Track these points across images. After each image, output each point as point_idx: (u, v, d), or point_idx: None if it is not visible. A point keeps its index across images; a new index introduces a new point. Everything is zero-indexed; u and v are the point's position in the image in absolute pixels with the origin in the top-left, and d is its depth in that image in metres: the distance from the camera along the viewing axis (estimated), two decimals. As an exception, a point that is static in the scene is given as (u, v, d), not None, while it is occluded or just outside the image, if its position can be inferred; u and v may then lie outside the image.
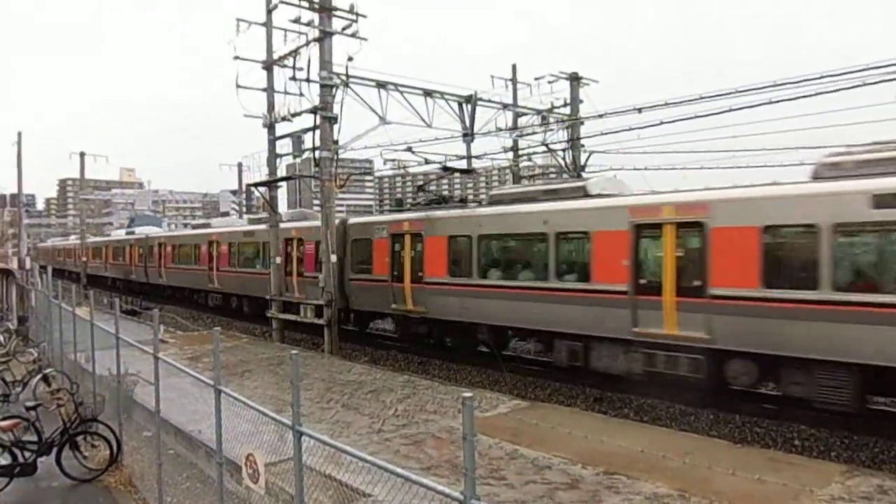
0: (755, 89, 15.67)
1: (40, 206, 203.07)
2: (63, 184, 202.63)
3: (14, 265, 37.15)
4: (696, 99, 17.66)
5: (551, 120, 25.51)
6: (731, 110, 16.68)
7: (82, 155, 53.52)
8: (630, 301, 13.19)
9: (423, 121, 20.91)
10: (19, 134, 44.40)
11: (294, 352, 5.24)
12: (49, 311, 16.51)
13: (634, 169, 24.41)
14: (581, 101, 26.01)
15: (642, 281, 13.15)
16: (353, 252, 21.10)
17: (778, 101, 15.43)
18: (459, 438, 3.38)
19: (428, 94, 21.19)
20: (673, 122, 18.80)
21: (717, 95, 17.17)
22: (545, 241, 15.18)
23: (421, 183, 21.42)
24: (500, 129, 23.82)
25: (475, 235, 16.87)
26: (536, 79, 25.43)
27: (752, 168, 18.36)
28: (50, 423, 9.88)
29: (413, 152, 22.39)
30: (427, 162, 23.25)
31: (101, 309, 16.03)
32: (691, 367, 12.44)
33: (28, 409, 9.78)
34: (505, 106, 24.19)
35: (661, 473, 7.96)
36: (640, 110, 19.52)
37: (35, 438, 9.43)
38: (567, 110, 25.89)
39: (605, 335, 13.89)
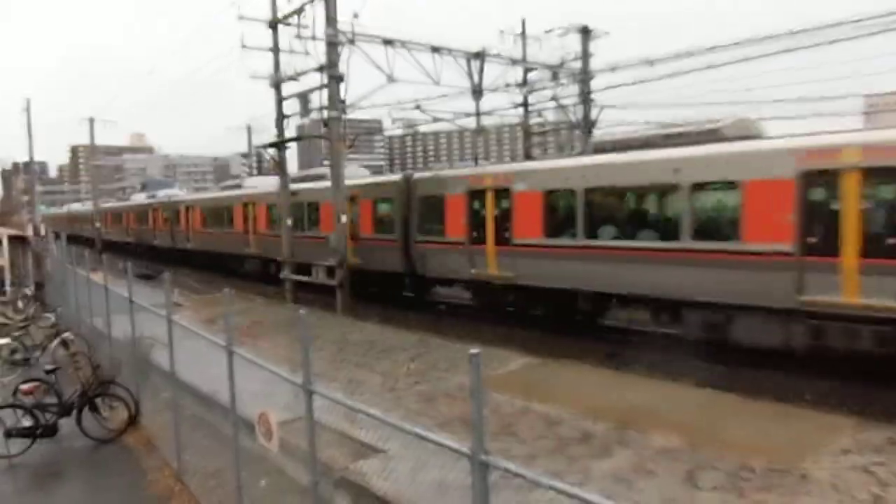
0: (770, 37, 15.29)
1: (53, 173, 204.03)
2: (75, 150, 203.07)
3: (29, 232, 37.60)
4: (709, 49, 17.30)
5: (562, 75, 25.09)
6: (745, 60, 16.33)
7: (91, 121, 53.58)
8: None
9: (431, 78, 20.65)
10: (28, 101, 44.62)
11: (302, 311, 5.26)
12: (65, 277, 16.70)
13: (646, 123, 24.08)
14: (592, 55, 25.53)
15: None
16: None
17: (795, 49, 15.07)
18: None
19: (435, 50, 20.86)
20: (686, 73, 18.46)
21: (732, 45, 16.81)
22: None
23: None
24: (510, 85, 23.50)
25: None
26: (546, 32, 24.99)
27: (766, 120, 18.02)
28: (69, 385, 10.09)
29: (422, 110, 22.22)
30: (436, 120, 23.06)
31: (117, 273, 16.18)
32: (876, 340, 10.63)
33: (47, 372, 9.99)
34: (514, 61, 23.81)
35: (672, 427, 8.01)
36: (652, 63, 19.20)
37: (55, 401, 9.65)
38: (578, 64, 25.43)
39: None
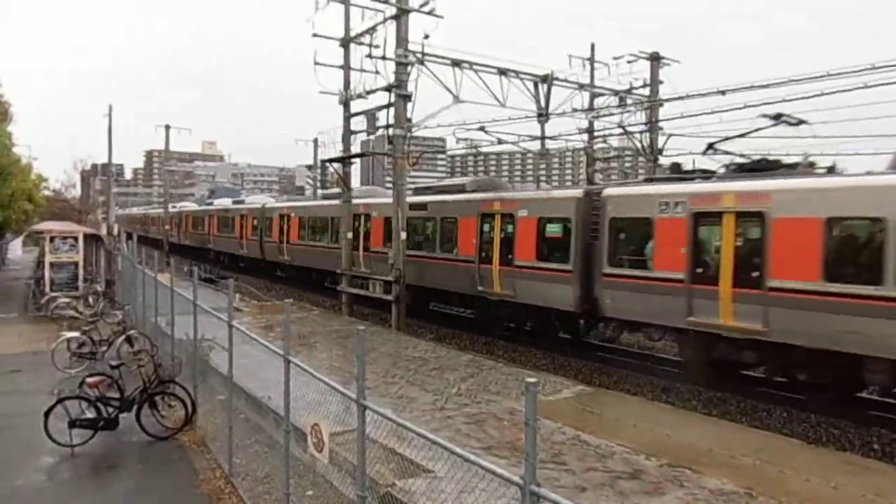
0: (850, 72, 14.76)
1: (128, 175, 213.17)
2: (149, 155, 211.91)
3: (103, 231, 39.32)
4: (783, 82, 16.82)
5: (629, 101, 24.82)
6: (822, 94, 15.79)
7: (167, 128, 55.78)
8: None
9: (497, 100, 20.70)
10: (110, 107, 46.71)
11: (361, 327, 5.32)
12: (134, 276, 17.35)
13: (715, 153, 23.53)
14: (661, 82, 25.20)
15: (699, 270, 13.09)
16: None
17: (874, 86, 14.49)
18: (521, 420, 3.35)
19: (502, 72, 20.94)
20: (758, 105, 17.98)
21: (807, 79, 16.30)
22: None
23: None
24: (576, 110, 23.34)
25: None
26: (615, 58, 24.77)
27: (840, 156, 17.36)
28: (131, 381, 10.45)
29: (486, 132, 22.23)
30: (500, 142, 23.08)
31: (182, 276, 16.73)
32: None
33: (112, 367, 10.36)
34: (581, 86, 23.67)
35: (728, 469, 7.73)
36: (723, 93, 18.76)
37: (118, 395, 9.99)
38: (646, 91, 25.13)
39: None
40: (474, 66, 20.37)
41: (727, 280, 12.54)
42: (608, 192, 15.69)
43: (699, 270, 13.13)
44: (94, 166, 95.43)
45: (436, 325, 21.52)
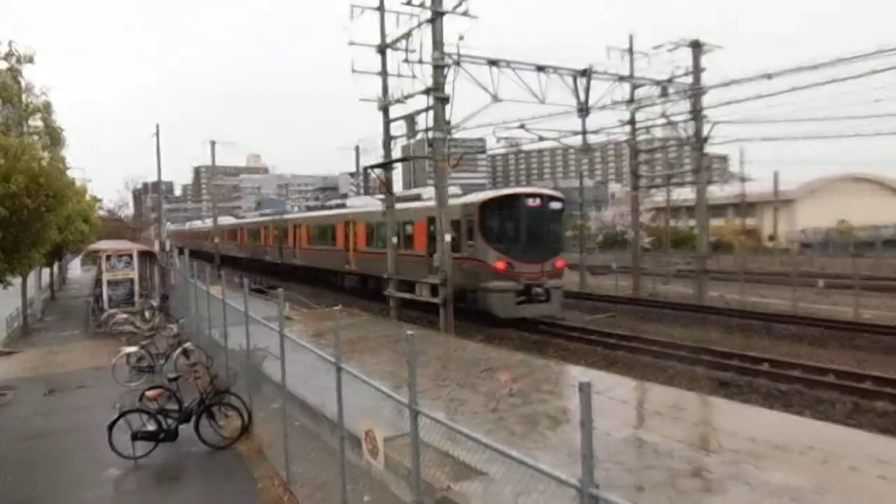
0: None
1: (178, 192, 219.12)
2: (197, 171, 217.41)
3: (156, 247, 40.46)
4: (832, 62, 16.27)
5: (671, 90, 24.35)
6: (873, 73, 15.22)
7: (213, 144, 57.17)
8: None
9: (536, 97, 20.59)
10: (157, 126, 48.15)
11: (411, 332, 5.31)
12: (186, 290, 17.77)
13: (763, 140, 22.91)
14: (704, 69, 24.64)
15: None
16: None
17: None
18: (575, 420, 3.29)
19: (540, 69, 20.80)
20: (807, 87, 17.43)
21: (857, 57, 15.74)
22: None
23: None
24: (617, 102, 23.01)
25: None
26: (655, 48, 24.37)
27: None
28: (189, 393, 10.69)
29: (526, 129, 22.11)
30: (540, 139, 22.91)
31: (233, 288, 17.06)
32: None
33: (170, 380, 10.62)
34: (621, 78, 23.34)
35: (794, 464, 7.46)
36: (770, 77, 18.26)
37: (176, 407, 10.23)
38: (688, 79, 24.61)
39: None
40: (511, 65, 20.28)
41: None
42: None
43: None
44: (145, 185, 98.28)
45: (485, 327, 21.47)
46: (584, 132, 22.48)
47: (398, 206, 23.87)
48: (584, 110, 21.67)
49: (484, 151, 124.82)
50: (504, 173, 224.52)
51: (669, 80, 24.45)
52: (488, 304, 20.97)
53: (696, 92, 23.88)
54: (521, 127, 21.96)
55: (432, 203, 20.98)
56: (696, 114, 24.12)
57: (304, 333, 16.59)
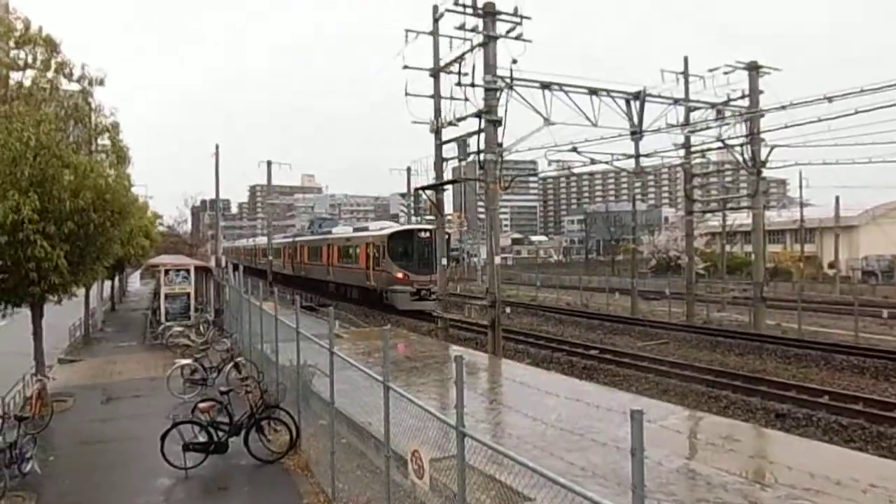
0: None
1: (234, 209, 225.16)
2: (253, 190, 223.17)
3: (212, 263, 41.48)
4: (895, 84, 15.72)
5: (727, 113, 23.90)
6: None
7: (269, 164, 58.48)
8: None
9: (589, 120, 20.49)
10: (217, 146, 49.31)
11: (458, 354, 5.30)
12: (240, 306, 18.15)
13: (823, 164, 22.25)
14: (761, 92, 24.12)
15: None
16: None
17: None
18: (626, 448, 3.22)
19: (593, 92, 20.72)
20: (871, 109, 16.87)
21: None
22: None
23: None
24: (671, 126, 22.71)
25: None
26: (710, 70, 23.96)
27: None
28: (239, 407, 10.87)
29: (578, 152, 21.94)
30: (593, 162, 22.71)
31: (285, 304, 17.36)
32: None
33: (222, 393, 10.83)
34: (676, 101, 23.05)
35: (855, 502, 7.11)
36: (830, 99, 17.75)
37: (227, 420, 10.40)
38: (745, 102, 24.12)
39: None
40: (564, 88, 20.26)
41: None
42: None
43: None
44: (203, 202, 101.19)
45: (534, 349, 21.30)
46: (636, 155, 22.23)
47: (353, 234, 39.24)
48: (637, 133, 21.44)
49: (535, 174, 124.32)
50: (555, 196, 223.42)
51: (725, 103, 24.01)
52: (394, 300, 32.30)
53: (752, 115, 23.37)
54: (573, 150, 21.81)
55: (371, 233, 35.92)
56: (753, 137, 23.58)
57: (353, 351, 16.72)
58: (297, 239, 52.99)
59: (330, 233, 44.94)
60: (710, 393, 15.75)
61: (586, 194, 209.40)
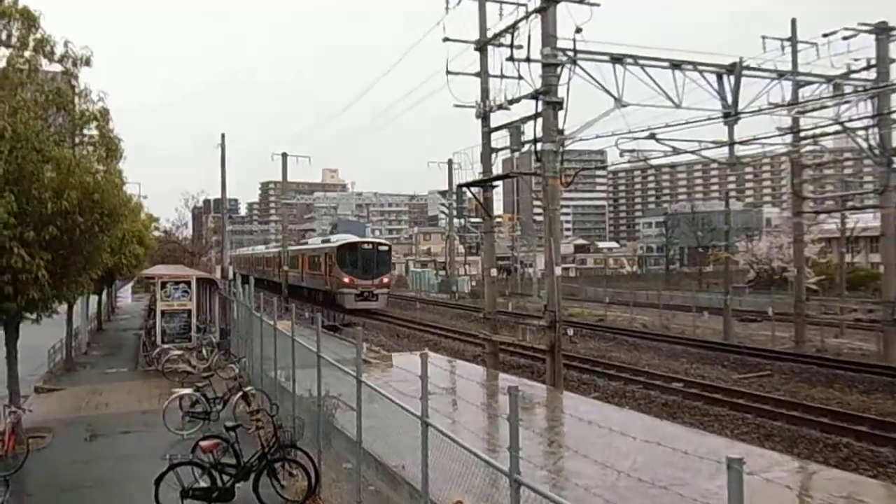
0: None
1: (243, 211, 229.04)
2: (265, 187, 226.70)
3: (217, 274, 42.26)
4: None
5: (847, 89, 23.32)
6: None
7: (284, 156, 59.31)
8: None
9: (671, 100, 20.26)
10: (223, 136, 50.14)
11: (512, 386, 5.27)
12: (250, 325, 18.42)
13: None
14: (892, 61, 23.48)
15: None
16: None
17: None
18: (720, 505, 3.15)
19: (676, 65, 20.50)
20: None
21: None
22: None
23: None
24: (775, 106, 22.25)
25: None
26: (825, 35, 23.34)
27: None
28: (248, 445, 10.99)
29: (657, 140, 21.64)
30: (675, 151, 22.40)
31: (301, 323, 17.56)
32: None
33: (228, 429, 10.95)
34: (780, 74, 22.59)
35: None
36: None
37: (234, 461, 10.52)
38: (871, 74, 23.49)
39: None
40: (640, 61, 20.11)
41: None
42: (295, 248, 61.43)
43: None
44: (207, 202, 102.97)
45: (602, 380, 21.12)
46: (731, 143, 21.85)
47: (318, 245, 56.50)
48: (731, 115, 21.07)
49: (604, 167, 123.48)
50: (628, 193, 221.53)
51: (845, 76, 23.45)
52: (342, 301, 46.67)
53: (881, 90, 22.75)
54: (651, 137, 21.52)
55: (327, 245, 52.27)
56: (882, 118, 22.95)
57: (384, 380, 16.80)
58: (288, 249, 66.80)
59: (307, 243, 63.66)
60: (827, 440, 15.38)
61: (667, 191, 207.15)
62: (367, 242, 51.64)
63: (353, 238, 54.42)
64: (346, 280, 46.96)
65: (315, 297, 52.47)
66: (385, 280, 49.57)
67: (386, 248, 52.79)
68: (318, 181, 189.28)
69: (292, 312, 13.74)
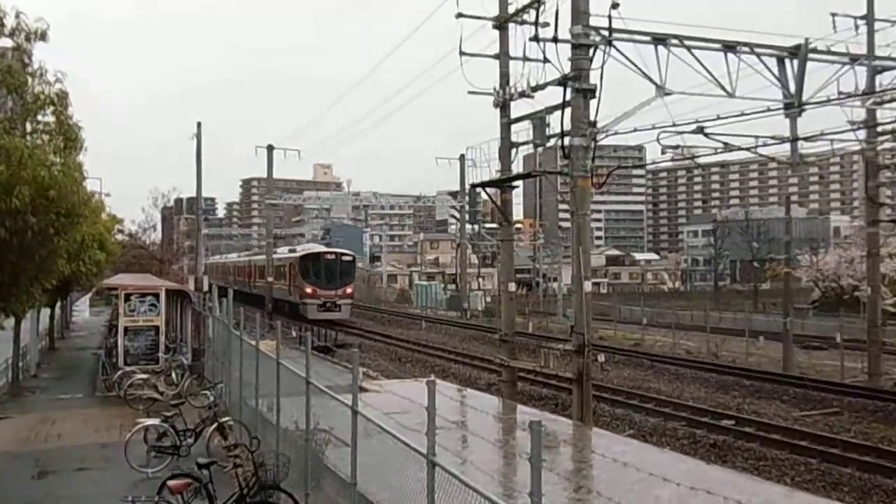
0: None
1: (221, 212, 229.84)
2: (247, 185, 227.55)
3: (190, 286, 42.36)
4: None
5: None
6: None
7: (270, 149, 59.40)
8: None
9: (722, 88, 20.24)
10: (199, 124, 49.21)
11: (534, 420, 5.26)
12: (228, 345, 18.45)
13: None
14: None
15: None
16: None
17: None
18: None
19: (729, 48, 20.47)
20: None
21: None
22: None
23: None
24: (846, 95, 22.19)
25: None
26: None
27: None
28: (224, 486, 10.99)
29: (706, 134, 21.60)
30: (727, 148, 22.36)
31: (288, 344, 17.56)
32: None
33: (200, 466, 10.95)
34: (854, 59, 22.51)
35: None
36: None
37: (207, 504, 10.54)
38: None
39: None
40: (686, 43, 20.09)
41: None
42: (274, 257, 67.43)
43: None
44: (179, 202, 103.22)
45: (638, 415, 21.04)
46: (793, 138, 21.75)
47: (284, 255, 65.20)
48: (794, 106, 21.00)
49: (642, 165, 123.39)
50: (670, 197, 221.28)
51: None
52: (305, 311, 53.48)
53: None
54: (699, 131, 21.46)
55: (291, 255, 62.97)
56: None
57: (383, 409, 16.77)
58: (254, 258, 78.79)
59: (276, 253, 68.80)
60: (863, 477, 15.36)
61: (716, 194, 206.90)
62: (331, 253, 61.26)
63: (316, 248, 66.45)
64: (309, 290, 54.99)
65: (282, 309, 58.80)
66: (349, 290, 57.49)
67: (350, 258, 61.19)
68: (310, 178, 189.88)
69: (277, 331, 13.71)
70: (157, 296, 26.39)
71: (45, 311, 33.86)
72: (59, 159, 14.17)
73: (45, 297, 20.12)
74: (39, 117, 14.63)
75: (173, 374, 22.51)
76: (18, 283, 14.05)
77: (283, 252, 69.15)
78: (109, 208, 39.90)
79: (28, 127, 14.50)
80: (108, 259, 32.39)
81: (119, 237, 46.17)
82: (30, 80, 14.12)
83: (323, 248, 67.66)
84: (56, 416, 20.75)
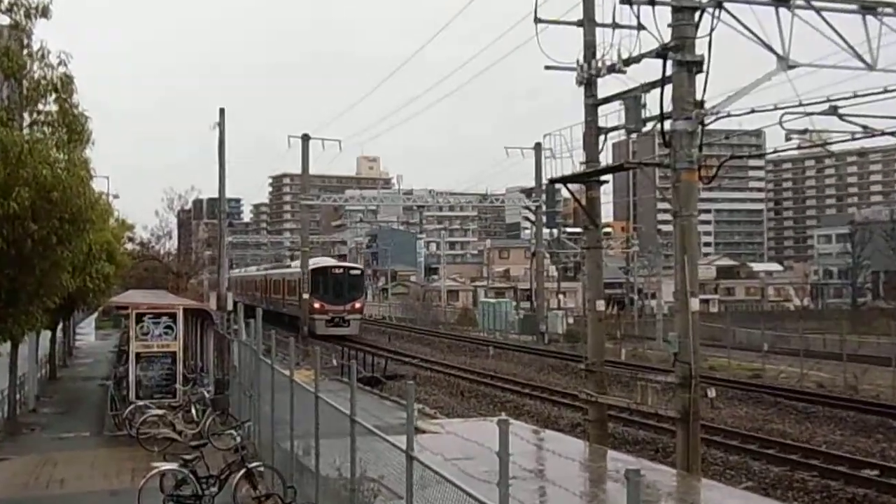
0: None
1: (247, 215, 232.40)
2: (278, 182, 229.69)
3: (212, 304, 42.89)
4: None
5: None
6: None
7: (305, 139, 59.66)
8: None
9: (860, 59, 19.99)
10: (221, 111, 48.98)
11: (632, 469, 5.33)
12: (257, 375, 18.68)
13: None
14: None
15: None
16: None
17: None
18: None
19: (868, 8, 20.22)
20: None
21: None
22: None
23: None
24: None
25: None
26: None
27: None
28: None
29: (840, 116, 21.35)
30: (866, 132, 22.06)
31: (328, 374, 17.74)
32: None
33: (227, 521, 11.19)
34: None
35: None
36: None
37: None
38: None
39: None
40: (814, 3, 19.88)
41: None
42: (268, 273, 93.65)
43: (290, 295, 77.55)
44: (198, 203, 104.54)
45: (758, 463, 20.83)
46: (953, 121, 21.42)
47: (288, 270, 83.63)
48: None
49: (761, 155, 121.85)
50: (796, 193, 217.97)
51: None
52: (313, 327, 64.30)
53: None
54: (832, 111, 21.21)
55: (297, 270, 73.27)
56: None
57: (445, 456, 16.87)
58: (269, 273, 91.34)
59: (290, 266, 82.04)
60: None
61: (853, 190, 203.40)
62: (339, 267, 73.72)
63: (324, 262, 76.95)
64: (317, 306, 64.99)
65: (295, 325, 65.99)
66: (357, 305, 68.16)
67: (358, 272, 74.06)
68: (353, 174, 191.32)
69: (317, 359, 13.84)
70: (173, 316, 26.64)
71: (45, 335, 34.30)
72: (63, 155, 14.37)
73: (46, 317, 20.44)
74: (40, 106, 14.83)
75: (193, 410, 22.81)
76: (17, 302, 14.34)
77: (295, 264, 78.94)
78: (118, 212, 40.35)
79: (27, 118, 14.74)
80: (116, 272, 32.69)
81: (129, 246, 46.57)
82: (29, 62, 14.33)
83: (331, 262, 79.97)
84: (59, 458, 21.10)
